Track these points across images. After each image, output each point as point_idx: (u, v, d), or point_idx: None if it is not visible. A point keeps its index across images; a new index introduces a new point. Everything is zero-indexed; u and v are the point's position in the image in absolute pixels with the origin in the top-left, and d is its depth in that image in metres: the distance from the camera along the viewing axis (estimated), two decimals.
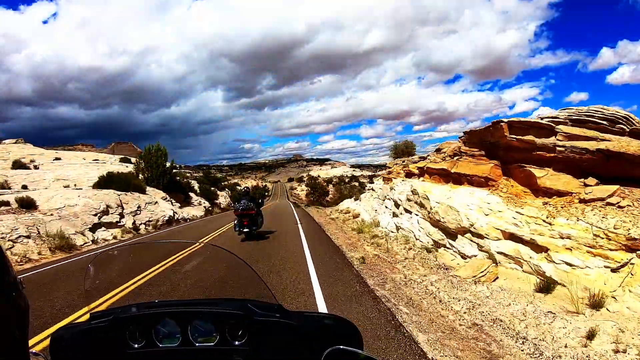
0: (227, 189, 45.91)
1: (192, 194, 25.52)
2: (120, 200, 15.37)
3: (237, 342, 1.03)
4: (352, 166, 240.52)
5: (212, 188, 34.50)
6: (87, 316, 1.11)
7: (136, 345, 1.04)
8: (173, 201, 20.95)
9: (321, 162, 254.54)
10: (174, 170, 41.12)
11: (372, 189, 18.64)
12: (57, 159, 33.50)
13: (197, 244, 2.82)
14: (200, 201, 25.22)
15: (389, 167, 17.10)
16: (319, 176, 54.85)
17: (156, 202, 18.71)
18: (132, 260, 1.46)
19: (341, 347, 0.90)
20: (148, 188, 20.08)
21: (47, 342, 1.53)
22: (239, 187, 66.53)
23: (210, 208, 26.10)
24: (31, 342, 3.28)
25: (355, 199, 21.44)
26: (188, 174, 45.48)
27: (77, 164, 31.03)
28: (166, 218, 17.62)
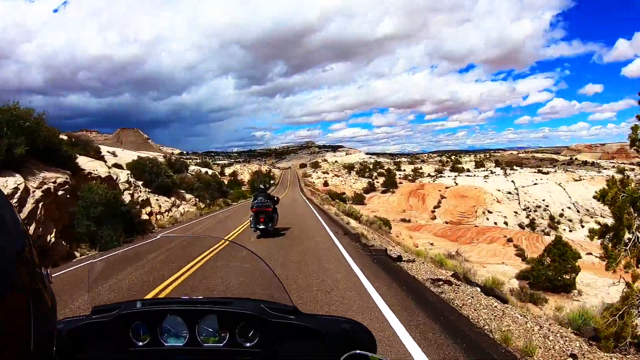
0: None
1: None
2: None
3: (248, 344, 0.96)
4: (367, 154, 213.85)
5: None
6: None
7: (140, 343, 0.97)
8: None
9: (334, 148, 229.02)
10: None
11: None
12: None
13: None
14: None
15: None
16: None
17: None
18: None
19: (358, 351, 0.87)
20: None
21: None
22: (197, 172, 39.61)
23: None
24: None
25: None
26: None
27: None
28: None
